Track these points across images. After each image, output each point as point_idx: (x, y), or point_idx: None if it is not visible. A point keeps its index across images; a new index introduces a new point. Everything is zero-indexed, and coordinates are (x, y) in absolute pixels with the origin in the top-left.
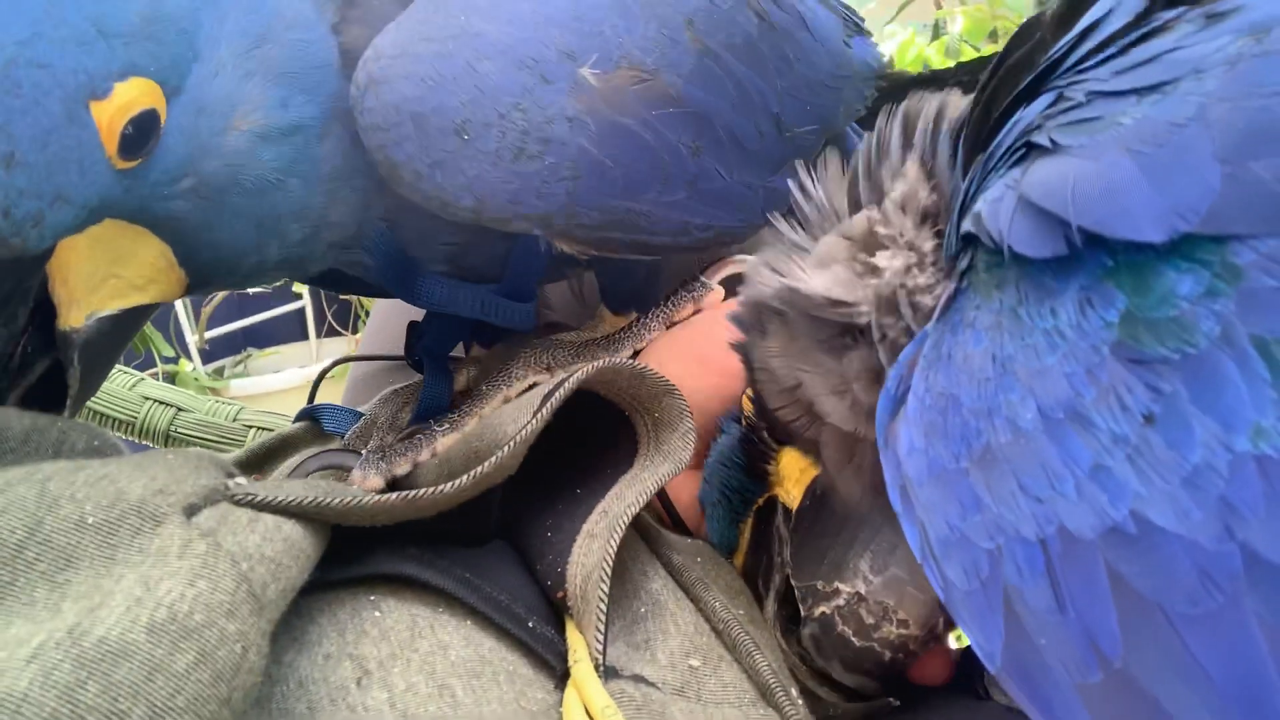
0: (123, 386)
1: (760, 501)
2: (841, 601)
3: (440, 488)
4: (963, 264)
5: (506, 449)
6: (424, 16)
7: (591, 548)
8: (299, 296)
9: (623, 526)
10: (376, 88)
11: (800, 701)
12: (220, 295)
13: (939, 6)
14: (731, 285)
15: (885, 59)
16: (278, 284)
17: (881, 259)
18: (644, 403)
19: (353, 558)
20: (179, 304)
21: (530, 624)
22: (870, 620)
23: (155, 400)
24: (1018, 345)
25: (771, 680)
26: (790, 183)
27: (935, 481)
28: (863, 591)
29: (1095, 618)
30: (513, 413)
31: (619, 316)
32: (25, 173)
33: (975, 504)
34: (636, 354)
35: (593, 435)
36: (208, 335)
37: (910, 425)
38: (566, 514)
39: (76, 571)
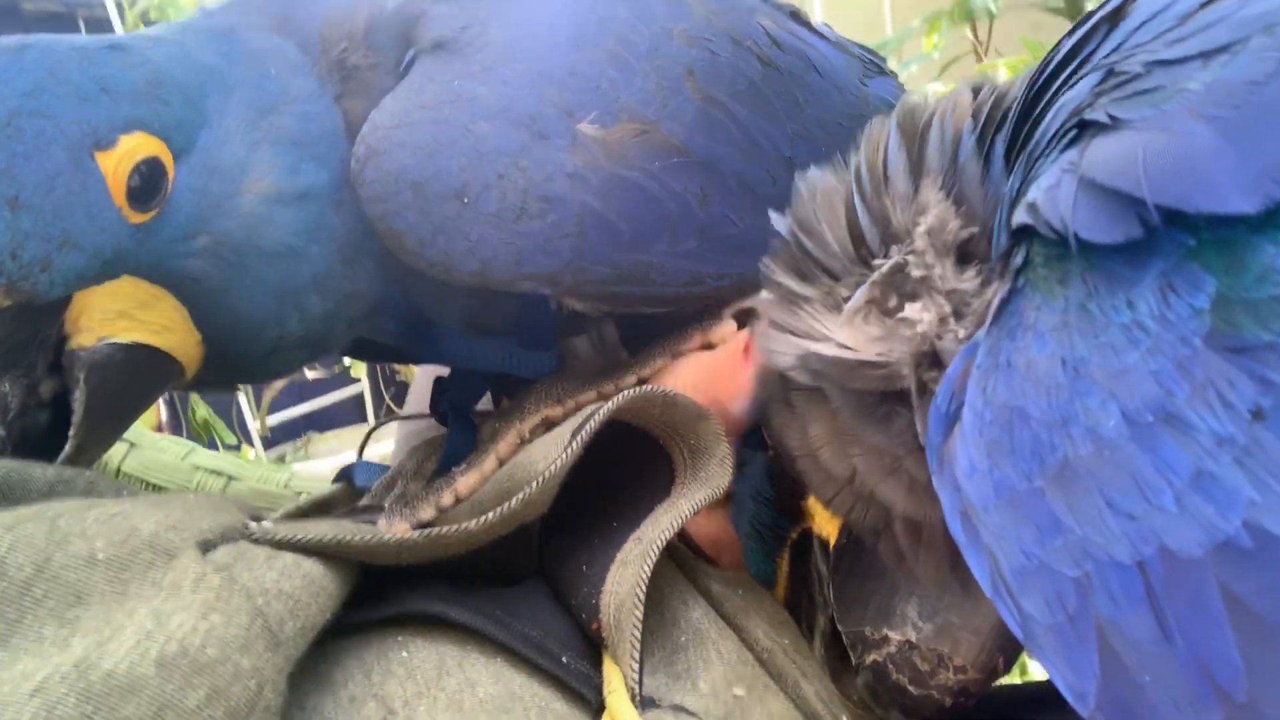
0: (175, 458)
1: (795, 535)
2: (893, 649)
3: (466, 525)
4: (1017, 261)
5: (536, 484)
6: (419, 86)
7: (625, 575)
8: (357, 380)
9: (656, 550)
10: (375, 159)
11: None
12: (281, 382)
13: (980, 60)
14: (742, 318)
15: None
16: (308, 369)
17: (912, 310)
18: (678, 430)
19: (382, 600)
20: (241, 392)
21: (564, 659)
22: (925, 668)
23: (207, 469)
24: (1091, 345)
25: (820, 708)
26: (777, 219)
27: (1005, 504)
28: (914, 639)
29: (1210, 647)
30: (543, 449)
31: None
32: (31, 216)
33: (1055, 527)
34: (642, 381)
35: (630, 468)
36: (269, 421)
37: (969, 444)
38: (601, 547)
39: (86, 608)
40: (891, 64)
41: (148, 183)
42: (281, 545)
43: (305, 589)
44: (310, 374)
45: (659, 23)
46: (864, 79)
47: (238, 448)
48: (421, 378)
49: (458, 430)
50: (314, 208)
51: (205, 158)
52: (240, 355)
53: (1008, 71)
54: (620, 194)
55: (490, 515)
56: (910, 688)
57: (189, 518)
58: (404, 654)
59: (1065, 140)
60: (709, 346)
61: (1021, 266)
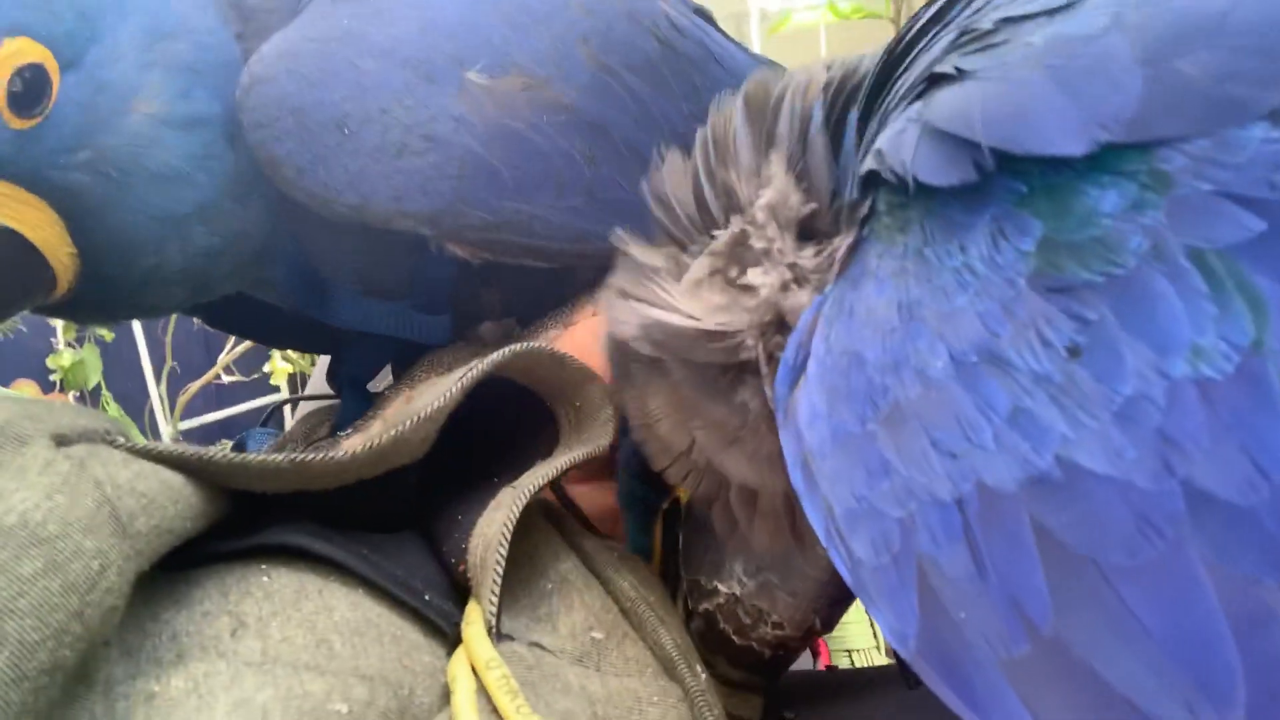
0: None
1: (665, 506)
2: (722, 600)
3: (334, 454)
4: (862, 211)
5: (409, 422)
6: (309, 21)
7: (495, 518)
8: (277, 389)
9: (527, 494)
10: (258, 85)
11: (704, 675)
12: (196, 386)
13: None
14: None
15: None
16: (225, 372)
17: (754, 275)
18: (565, 391)
19: (250, 533)
20: (154, 394)
21: (427, 597)
22: (747, 621)
23: None
24: (925, 289)
25: (674, 654)
26: (644, 186)
27: (839, 449)
28: (739, 594)
29: (1020, 581)
30: (426, 398)
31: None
32: None
33: (884, 469)
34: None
35: (518, 431)
36: (182, 426)
37: (811, 391)
38: (478, 497)
39: None
40: None
41: (29, 89)
42: (143, 454)
43: (162, 492)
44: (227, 378)
45: None
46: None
47: None
48: (325, 361)
49: (351, 400)
50: (204, 135)
51: (93, 72)
52: (115, 279)
53: None
54: (504, 142)
55: (359, 449)
56: (734, 638)
57: (49, 413)
58: (265, 579)
59: (915, 94)
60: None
61: (867, 216)
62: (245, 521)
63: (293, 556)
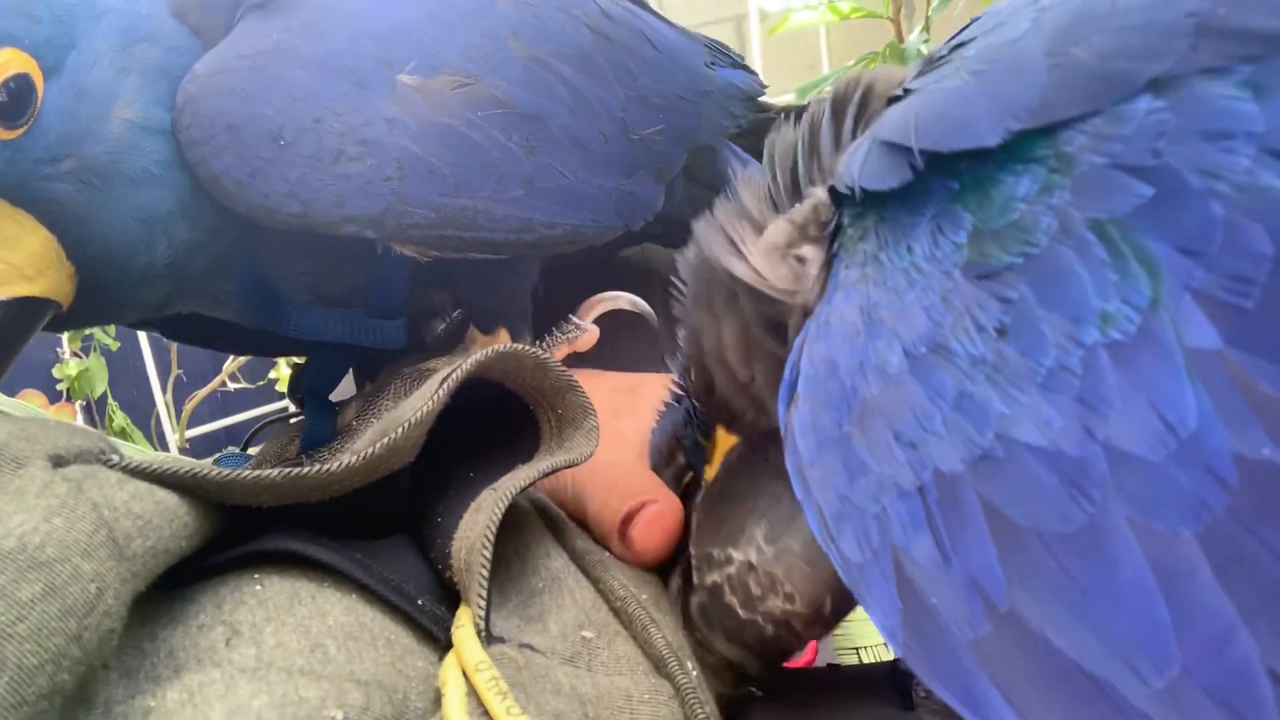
0: None
1: (687, 482)
2: (733, 570)
3: (328, 466)
4: (830, 228)
5: (401, 430)
6: (239, 39)
7: (477, 520)
8: (281, 395)
9: (509, 497)
10: (192, 104)
11: (695, 673)
12: (202, 394)
13: None
14: (604, 325)
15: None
16: (229, 379)
17: (809, 251)
18: (547, 397)
19: (244, 542)
20: (160, 402)
21: (420, 601)
22: (757, 591)
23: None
24: (880, 291)
25: (665, 652)
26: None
27: (824, 453)
28: (754, 560)
29: (977, 561)
30: (413, 402)
31: (489, 337)
32: None
33: (860, 468)
34: None
35: (500, 433)
36: (189, 434)
37: (801, 405)
38: (457, 499)
39: None
40: None
41: (16, 98)
42: (137, 473)
43: (157, 513)
44: (233, 386)
45: None
46: (710, 64)
47: None
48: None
49: (315, 414)
50: (176, 140)
51: (74, 79)
52: (110, 283)
53: None
54: (441, 140)
55: (352, 459)
56: (740, 610)
57: (45, 434)
58: (258, 587)
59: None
60: (576, 354)
61: (834, 232)
62: (239, 532)
63: (285, 563)
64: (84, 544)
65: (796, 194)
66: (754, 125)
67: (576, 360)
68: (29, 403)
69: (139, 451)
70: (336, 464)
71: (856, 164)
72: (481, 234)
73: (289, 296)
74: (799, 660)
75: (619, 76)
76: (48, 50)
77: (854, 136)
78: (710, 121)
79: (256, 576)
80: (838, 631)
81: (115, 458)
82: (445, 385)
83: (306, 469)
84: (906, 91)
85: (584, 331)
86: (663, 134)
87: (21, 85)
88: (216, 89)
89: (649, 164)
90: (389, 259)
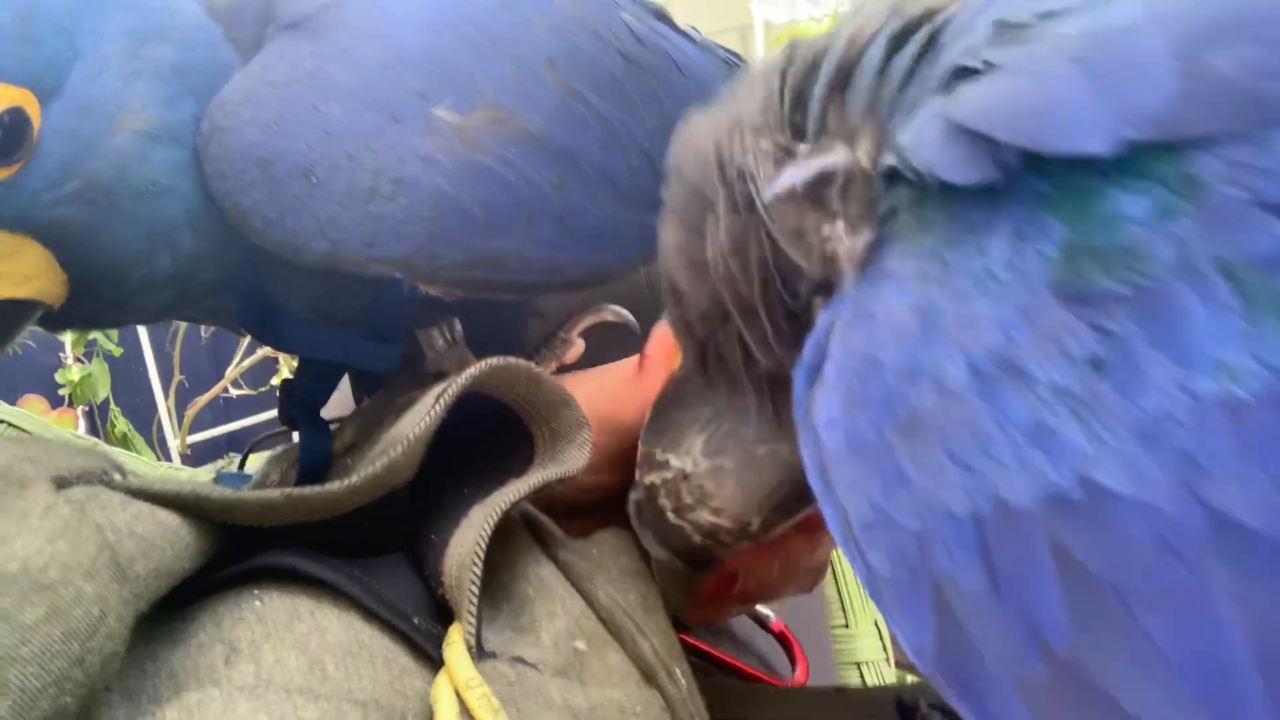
0: None
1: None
2: (669, 475)
3: (329, 486)
4: (883, 208)
5: (400, 447)
6: (269, 63)
7: (466, 536)
8: None
9: (498, 512)
10: (220, 135)
11: (684, 681)
12: (204, 400)
13: None
14: (589, 338)
15: None
16: (232, 385)
17: (829, 228)
18: (541, 412)
19: (243, 559)
20: (162, 408)
21: (415, 620)
22: (688, 500)
23: (6, 423)
24: (944, 292)
25: (654, 662)
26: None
27: (856, 456)
28: (688, 470)
29: (1036, 601)
30: (410, 418)
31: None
32: None
33: (900, 479)
34: None
35: (494, 448)
36: (190, 440)
37: (829, 394)
38: (451, 514)
39: None
40: None
41: (10, 137)
42: (139, 494)
43: (160, 535)
44: (235, 391)
45: (520, 12)
46: (728, 80)
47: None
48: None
49: (309, 436)
50: (188, 144)
51: (77, 94)
52: (108, 293)
53: None
54: (474, 179)
55: (354, 479)
56: (670, 514)
57: (48, 454)
58: (257, 604)
59: (942, 86)
60: (564, 368)
61: (887, 214)
62: (239, 548)
63: (285, 579)
64: (87, 566)
65: (812, 126)
66: None
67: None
68: (31, 408)
69: (142, 462)
70: (338, 484)
71: (929, 148)
72: (511, 275)
73: (290, 312)
74: (794, 679)
75: (646, 104)
76: (46, 74)
77: (907, 81)
78: None
79: (256, 592)
80: (839, 644)
81: (118, 477)
82: (442, 400)
83: (308, 490)
84: (987, 65)
85: (571, 345)
86: None
87: (15, 119)
88: (247, 120)
89: None
90: (397, 284)
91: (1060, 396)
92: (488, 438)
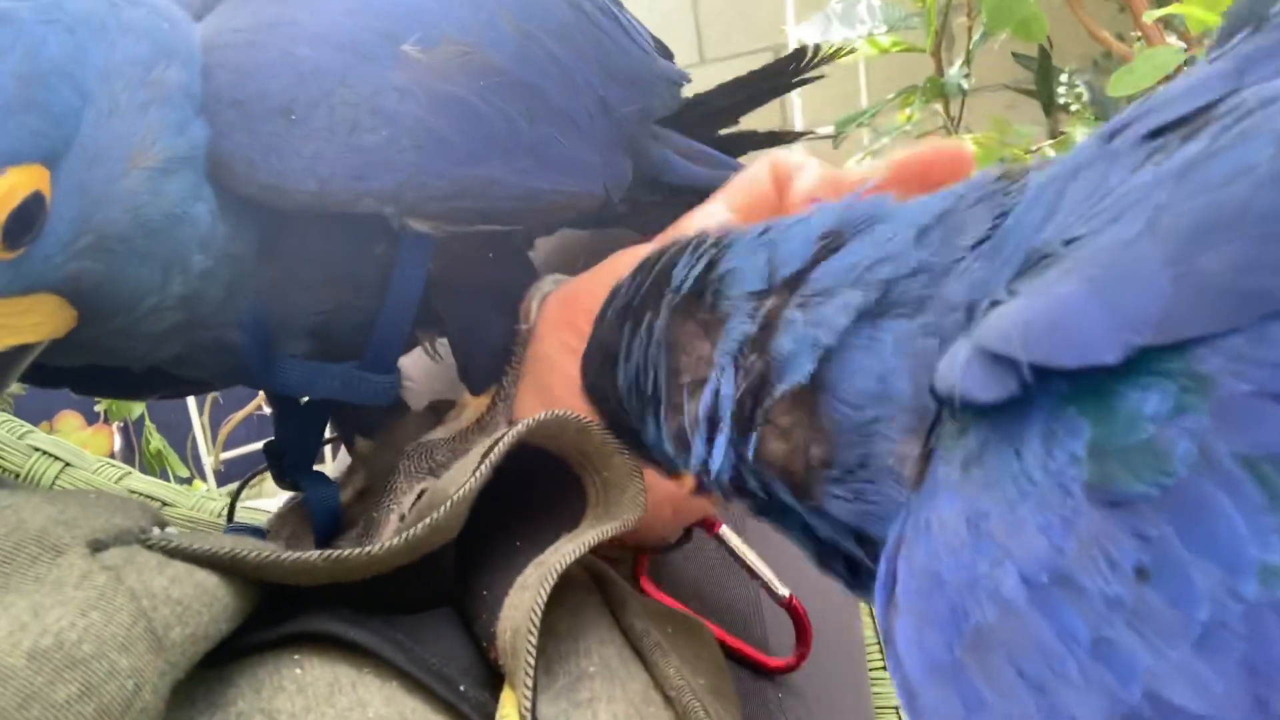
0: (109, 480)
1: None
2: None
3: (369, 549)
4: (929, 421)
5: (443, 509)
6: (230, 13)
7: (522, 599)
8: None
9: (554, 575)
10: None
11: None
12: (239, 417)
13: (950, 135)
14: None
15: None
16: (265, 403)
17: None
18: (592, 460)
19: (283, 617)
20: (196, 426)
21: (461, 687)
22: None
23: (141, 495)
24: (987, 499)
25: None
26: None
27: (934, 679)
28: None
29: None
30: (456, 475)
31: (479, 399)
32: None
33: (979, 702)
34: (511, 422)
35: (543, 496)
36: (224, 457)
37: (904, 616)
38: (502, 570)
39: None
40: (866, 135)
41: (23, 221)
42: (176, 553)
43: (197, 598)
44: (269, 408)
45: None
46: (656, 53)
47: (190, 481)
48: None
49: (314, 492)
50: (198, 164)
51: (87, 144)
52: (118, 323)
53: (976, 149)
54: (450, 109)
55: (394, 540)
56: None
57: (83, 515)
58: (297, 671)
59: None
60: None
61: (933, 425)
62: (277, 606)
63: (325, 643)
64: (122, 639)
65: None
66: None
67: None
68: (67, 424)
69: (174, 491)
70: (377, 546)
71: (956, 374)
72: (492, 203)
73: (285, 344)
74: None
75: (595, 54)
76: (57, 138)
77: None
78: (662, 102)
79: (296, 658)
80: (875, 689)
81: (155, 533)
82: (489, 459)
83: (346, 551)
84: (1011, 293)
85: (534, 326)
86: (636, 113)
87: (30, 202)
88: (217, 65)
89: (623, 143)
90: (398, 294)
91: (1114, 608)
92: (535, 482)
